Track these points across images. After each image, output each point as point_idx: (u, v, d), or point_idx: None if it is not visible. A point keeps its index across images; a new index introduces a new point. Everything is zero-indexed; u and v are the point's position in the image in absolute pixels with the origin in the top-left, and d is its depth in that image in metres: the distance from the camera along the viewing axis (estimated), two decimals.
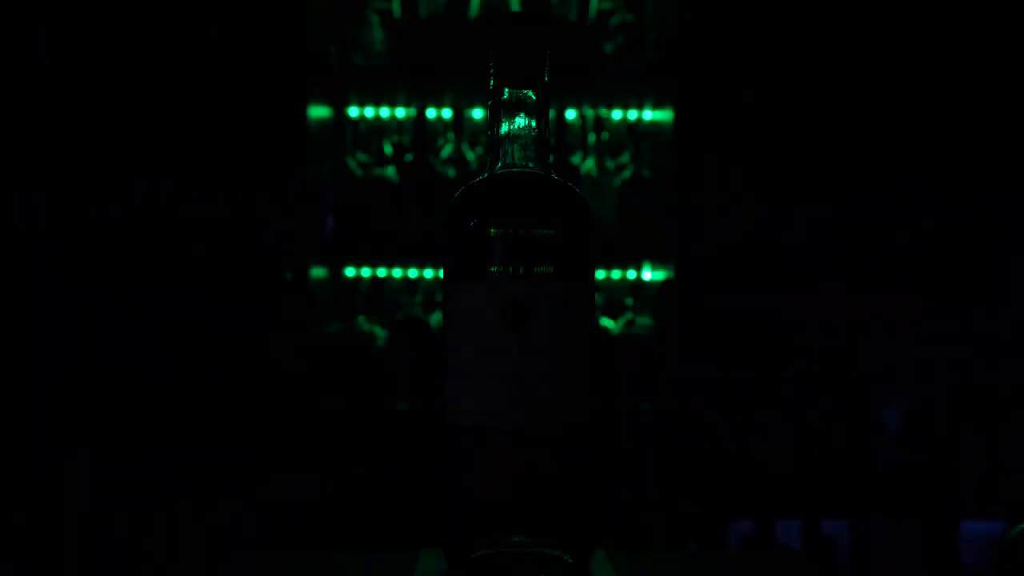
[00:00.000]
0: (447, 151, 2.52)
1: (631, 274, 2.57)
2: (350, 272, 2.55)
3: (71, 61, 2.63)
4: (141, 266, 2.61)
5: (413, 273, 2.54)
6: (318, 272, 2.41)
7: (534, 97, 0.72)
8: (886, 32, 2.70)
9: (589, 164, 2.49)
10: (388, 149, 2.53)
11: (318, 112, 2.43)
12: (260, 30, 2.63)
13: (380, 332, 2.41)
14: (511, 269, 0.68)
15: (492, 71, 0.72)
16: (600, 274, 2.57)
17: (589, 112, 2.57)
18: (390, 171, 2.45)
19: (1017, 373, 2.40)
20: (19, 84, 2.63)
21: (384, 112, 2.59)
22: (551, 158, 0.72)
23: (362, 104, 2.57)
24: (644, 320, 2.43)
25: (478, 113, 2.60)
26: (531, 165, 0.72)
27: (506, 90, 0.72)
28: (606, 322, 2.46)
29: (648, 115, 2.59)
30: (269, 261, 2.53)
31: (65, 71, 2.63)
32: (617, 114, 2.60)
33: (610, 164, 2.51)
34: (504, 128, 0.72)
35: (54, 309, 2.60)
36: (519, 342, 0.67)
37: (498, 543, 0.67)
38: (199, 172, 2.64)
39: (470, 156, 2.52)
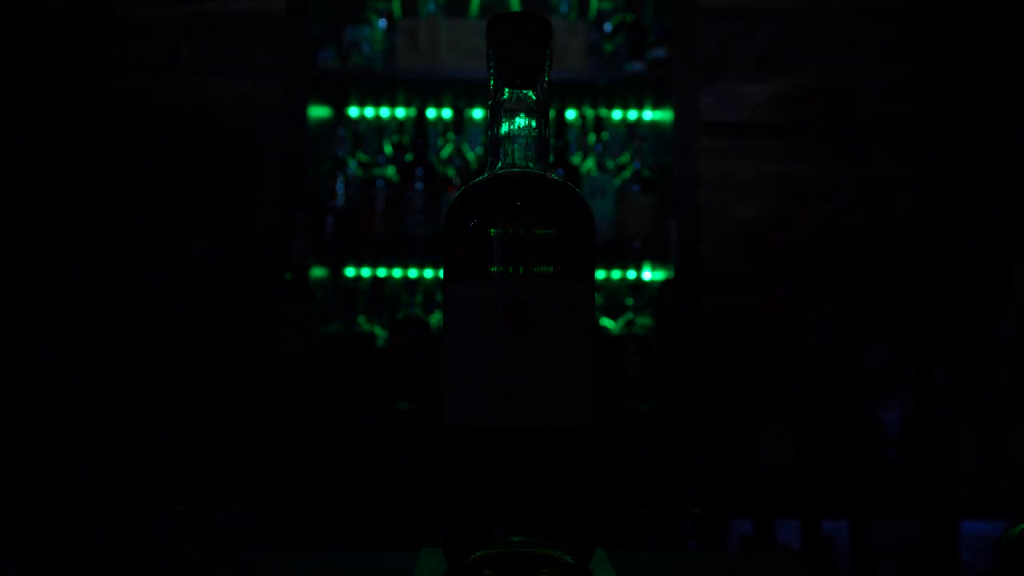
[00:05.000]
0: (447, 151, 2.52)
1: (631, 274, 2.57)
2: (350, 272, 2.55)
3: (69, 64, 2.63)
4: (141, 265, 2.61)
5: (413, 273, 2.54)
6: (318, 272, 2.41)
7: (534, 97, 0.72)
8: (893, 27, 2.70)
9: (589, 164, 2.49)
10: (388, 149, 2.53)
11: (318, 112, 2.43)
12: (260, 29, 2.63)
13: (380, 332, 2.41)
14: (511, 269, 0.68)
15: (492, 71, 0.72)
16: (600, 274, 2.57)
17: (589, 112, 2.57)
18: (390, 171, 2.45)
19: (1017, 373, 2.40)
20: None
21: (384, 112, 2.59)
22: (551, 158, 0.72)
23: (362, 104, 2.57)
24: (644, 320, 2.43)
25: (478, 113, 2.60)
26: (531, 165, 0.72)
27: (506, 90, 0.72)
28: (606, 322, 2.46)
29: (648, 115, 2.59)
30: (269, 261, 2.53)
31: (62, 71, 2.63)
32: (617, 114, 2.60)
33: (610, 164, 2.51)
34: (504, 128, 0.72)
35: (57, 305, 2.60)
36: (519, 342, 0.67)
37: (498, 543, 0.67)
38: (199, 172, 2.64)
39: (470, 156, 2.52)
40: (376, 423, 2.25)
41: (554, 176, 0.73)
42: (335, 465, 2.24)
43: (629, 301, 2.45)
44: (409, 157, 2.45)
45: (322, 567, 0.77)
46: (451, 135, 2.53)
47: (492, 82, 0.72)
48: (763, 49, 2.70)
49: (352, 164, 2.46)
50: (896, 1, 2.71)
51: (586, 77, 2.36)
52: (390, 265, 2.54)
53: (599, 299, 2.59)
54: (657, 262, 2.44)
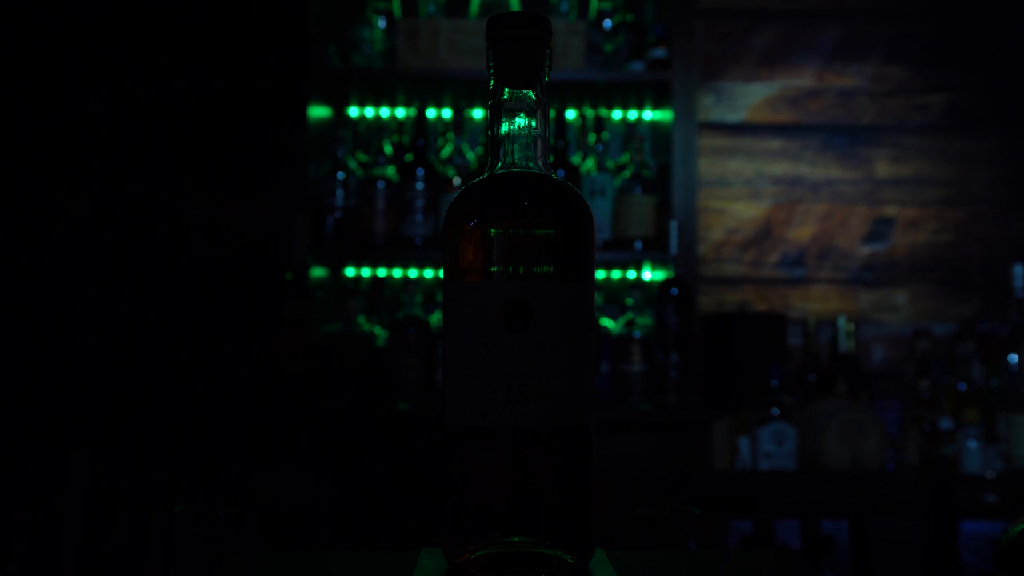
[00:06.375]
0: (447, 151, 2.52)
1: (631, 274, 2.57)
2: (350, 272, 2.55)
3: (78, 59, 2.63)
4: (142, 265, 2.61)
5: (413, 273, 2.54)
6: (318, 272, 2.41)
7: (534, 97, 0.72)
8: None
9: (589, 164, 2.49)
10: (388, 149, 2.53)
11: (318, 112, 2.43)
12: (260, 30, 2.63)
13: (380, 332, 2.41)
14: (511, 269, 0.68)
15: (492, 71, 0.72)
16: (600, 274, 2.57)
17: (589, 112, 2.57)
18: (390, 171, 2.45)
19: (1017, 372, 2.40)
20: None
21: (384, 112, 2.59)
22: (551, 158, 0.72)
23: (362, 104, 2.57)
24: (644, 320, 2.43)
25: (478, 113, 2.60)
26: (531, 165, 0.72)
27: (506, 90, 0.72)
28: (606, 322, 2.46)
29: (648, 115, 2.59)
30: (269, 261, 2.53)
31: (71, 68, 2.63)
32: (617, 114, 2.60)
33: (610, 164, 2.51)
34: (504, 128, 0.72)
35: (57, 304, 2.60)
36: (519, 342, 0.67)
37: (498, 543, 0.67)
38: (199, 172, 2.64)
39: (470, 156, 2.52)
40: (376, 423, 2.25)
41: (554, 176, 0.73)
42: (335, 465, 2.23)
43: (629, 301, 2.45)
44: (409, 157, 2.45)
45: (322, 567, 0.77)
46: (451, 135, 2.53)
47: (492, 82, 0.72)
48: (763, 49, 2.70)
49: (352, 164, 2.46)
50: (896, 1, 2.71)
51: (586, 77, 2.36)
52: (390, 265, 2.54)
53: (599, 299, 2.59)
54: (657, 262, 2.44)
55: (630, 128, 2.55)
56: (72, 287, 2.60)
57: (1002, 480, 2.26)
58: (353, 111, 2.59)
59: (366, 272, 2.55)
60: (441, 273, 0.70)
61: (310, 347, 2.25)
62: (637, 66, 2.40)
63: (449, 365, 0.69)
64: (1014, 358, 2.41)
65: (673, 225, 2.32)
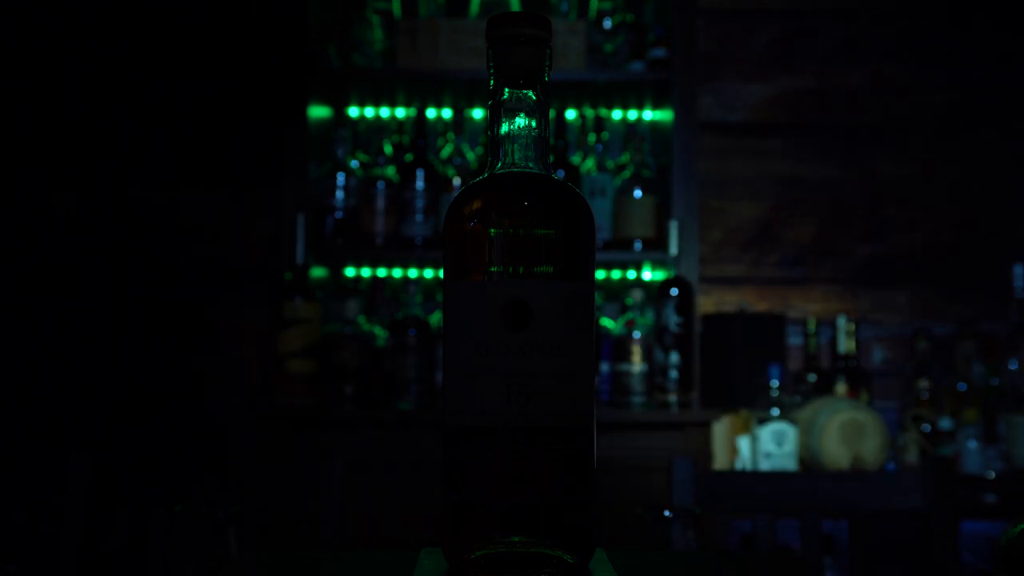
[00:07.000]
0: (447, 151, 2.52)
1: (631, 274, 2.57)
2: (350, 272, 2.55)
3: (78, 59, 2.63)
4: (142, 265, 2.61)
5: (413, 273, 2.54)
6: (318, 272, 2.41)
7: (534, 97, 0.72)
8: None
9: (589, 164, 2.49)
10: (388, 149, 2.53)
11: (318, 112, 2.43)
12: (260, 30, 2.63)
13: (380, 332, 2.41)
14: (511, 269, 0.68)
15: (492, 71, 0.72)
16: (600, 274, 2.56)
17: (589, 112, 2.57)
18: (390, 171, 2.45)
19: (1017, 372, 2.40)
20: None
21: (384, 112, 2.59)
22: (551, 158, 0.72)
23: (362, 104, 2.57)
24: (644, 320, 2.43)
25: (478, 113, 2.60)
26: (531, 165, 0.72)
27: (506, 90, 0.72)
28: (606, 322, 2.46)
29: (648, 115, 2.59)
30: (269, 261, 2.53)
31: (71, 68, 2.63)
32: (617, 114, 2.60)
33: (610, 164, 2.51)
34: (504, 128, 0.72)
35: (58, 303, 2.60)
36: (519, 342, 0.67)
37: (498, 543, 0.67)
38: (200, 172, 2.64)
39: (470, 156, 2.52)
40: (376, 423, 2.25)
41: (554, 176, 0.73)
42: (335, 464, 2.23)
43: (629, 301, 2.45)
44: (409, 157, 2.45)
45: (322, 567, 0.77)
46: (451, 135, 2.53)
47: (492, 82, 0.72)
48: (763, 49, 2.70)
49: (352, 164, 2.45)
50: (896, 1, 2.71)
51: (586, 77, 2.36)
52: (390, 265, 2.54)
53: (599, 299, 2.59)
54: (657, 262, 2.44)
55: (630, 128, 2.55)
56: (72, 287, 2.60)
57: (1002, 480, 2.26)
58: (353, 111, 2.59)
59: (366, 272, 2.55)
60: (441, 273, 0.70)
61: (310, 347, 2.25)
62: (637, 66, 2.40)
63: (449, 365, 0.69)
64: (1014, 360, 2.41)
65: (673, 225, 2.32)
